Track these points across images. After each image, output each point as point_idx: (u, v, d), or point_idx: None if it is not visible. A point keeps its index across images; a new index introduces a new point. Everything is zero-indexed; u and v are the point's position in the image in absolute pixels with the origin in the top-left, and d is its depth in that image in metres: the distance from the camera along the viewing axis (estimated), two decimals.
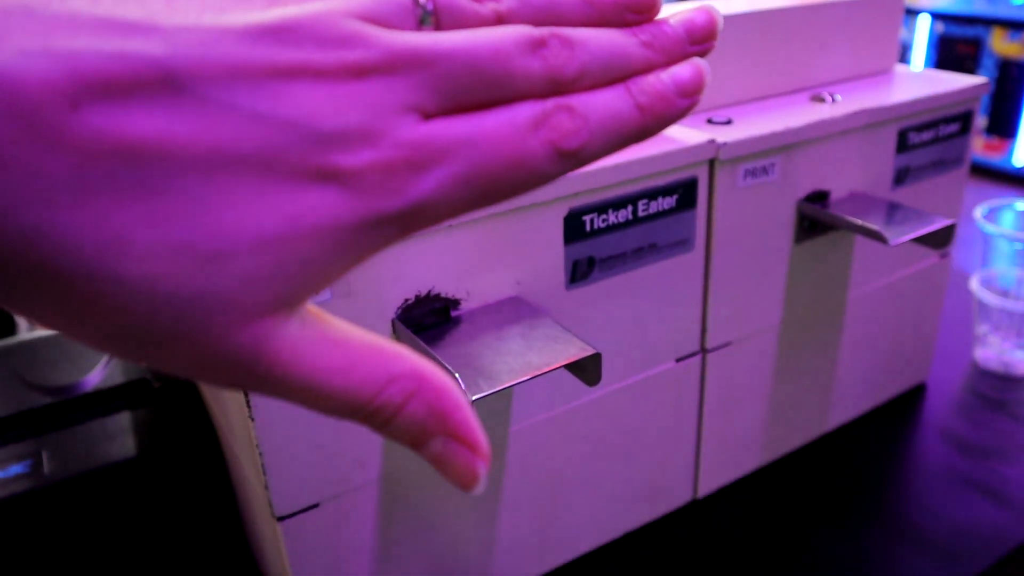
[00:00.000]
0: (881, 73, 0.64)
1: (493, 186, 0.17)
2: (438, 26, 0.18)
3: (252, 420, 0.39)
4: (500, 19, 0.18)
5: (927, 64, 2.52)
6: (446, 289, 0.43)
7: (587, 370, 0.41)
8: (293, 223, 0.15)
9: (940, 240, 0.54)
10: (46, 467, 0.51)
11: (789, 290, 0.58)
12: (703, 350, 0.55)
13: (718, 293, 0.53)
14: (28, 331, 0.57)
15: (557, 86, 0.18)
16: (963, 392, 0.73)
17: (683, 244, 0.50)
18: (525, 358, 0.40)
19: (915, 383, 0.73)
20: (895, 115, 0.57)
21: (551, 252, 0.45)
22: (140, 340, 0.15)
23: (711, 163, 0.49)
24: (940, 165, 0.62)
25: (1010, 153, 2.36)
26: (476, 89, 0.17)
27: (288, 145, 0.15)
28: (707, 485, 0.60)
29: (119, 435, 0.54)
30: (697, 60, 0.19)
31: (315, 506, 0.43)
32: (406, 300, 0.42)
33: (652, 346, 0.52)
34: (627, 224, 0.47)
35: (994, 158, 2.40)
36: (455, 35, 0.17)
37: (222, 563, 0.55)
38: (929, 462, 0.65)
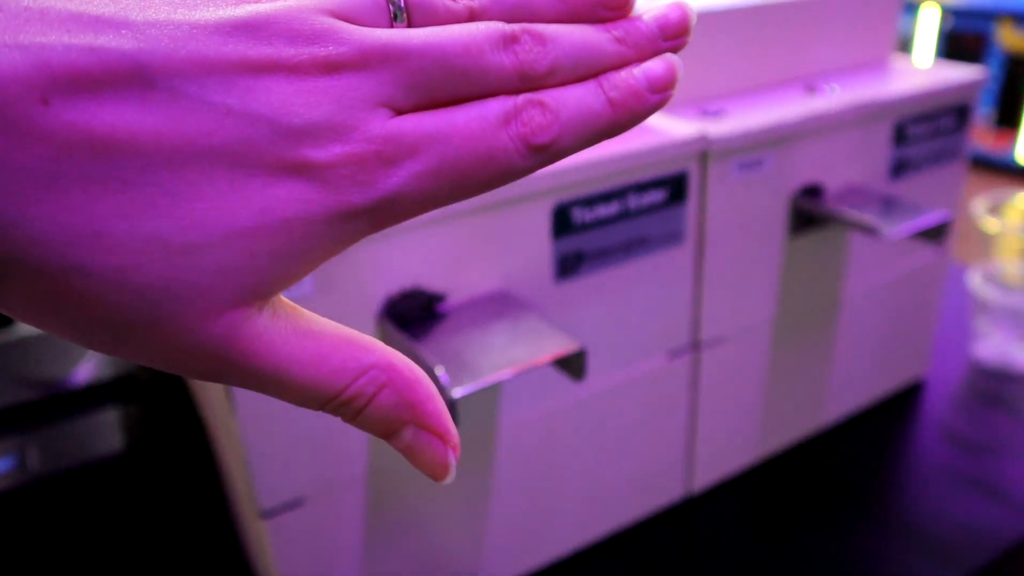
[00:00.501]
0: (878, 63, 0.63)
1: (464, 180, 0.17)
2: (410, 23, 0.18)
3: (235, 414, 0.39)
4: (473, 15, 0.18)
5: (935, 59, 2.50)
6: (431, 284, 0.42)
7: (572, 365, 0.40)
8: (263, 216, 0.16)
9: (937, 234, 0.53)
10: (31, 463, 0.50)
11: (783, 285, 0.57)
12: (696, 345, 0.54)
13: (711, 288, 0.53)
14: (18, 326, 0.57)
15: (529, 82, 0.18)
16: (962, 389, 0.72)
17: (673, 238, 0.49)
18: (510, 353, 0.39)
19: (912, 379, 0.72)
20: (891, 108, 0.56)
21: (538, 246, 0.45)
22: (112, 332, 0.15)
23: (703, 156, 0.49)
24: (938, 158, 0.62)
25: (1013, 148, 2.34)
26: (448, 85, 0.17)
27: (259, 139, 0.15)
28: (702, 481, 0.60)
29: (107, 431, 0.54)
30: (670, 56, 0.19)
31: (301, 501, 0.43)
32: (390, 295, 0.41)
33: (642, 341, 0.51)
34: (616, 218, 0.46)
35: (997, 153, 2.38)
36: (427, 31, 0.17)
37: (211, 560, 0.55)
38: (927, 459, 0.64)
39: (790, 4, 0.56)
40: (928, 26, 2.56)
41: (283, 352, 0.17)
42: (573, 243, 0.46)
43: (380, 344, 0.18)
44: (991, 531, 0.56)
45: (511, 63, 0.18)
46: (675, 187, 0.48)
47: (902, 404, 0.70)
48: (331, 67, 0.16)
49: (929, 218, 0.52)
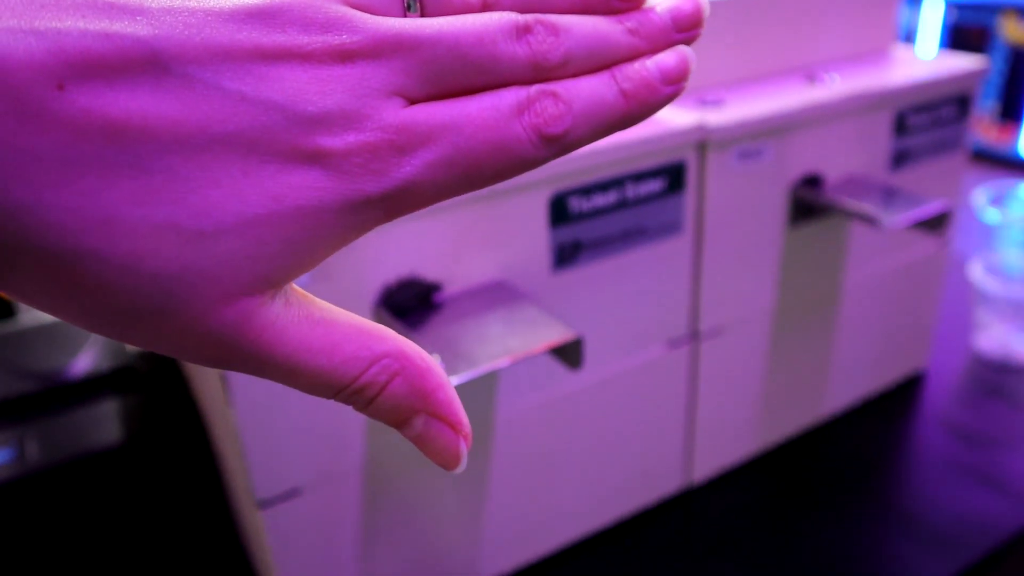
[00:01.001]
0: (879, 53, 0.63)
1: (477, 170, 0.17)
2: (424, 12, 0.18)
3: (231, 405, 0.39)
4: (486, 5, 0.18)
5: (939, 52, 2.47)
6: (428, 273, 0.42)
7: (569, 354, 0.40)
8: (277, 203, 0.16)
9: (937, 225, 0.53)
10: (30, 454, 0.50)
11: (783, 275, 0.57)
12: (695, 335, 0.54)
13: (710, 278, 0.53)
14: (24, 314, 0.57)
15: (542, 72, 0.18)
16: (962, 380, 0.72)
17: (672, 228, 0.49)
18: (506, 343, 0.39)
19: (913, 370, 0.72)
20: (891, 98, 0.56)
21: (536, 236, 0.44)
22: (125, 318, 0.15)
23: (701, 146, 0.48)
24: (938, 148, 0.61)
25: (1017, 141, 2.34)
26: (461, 74, 0.17)
27: (273, 126, 0.15)
28: (701, 471, 0.60)
29: (105, 422, 0.54)
30: (682, 48, 0.19)
31: (297, 491, 0.43)
32: (387, 284, 0.41)
33: (641, 331, 0.51)
34: (614, 208, 0.46)
35: (1001, 147, 2.38)
36: (440, 21, 0.17)
37: (209, 551, 0.55)
38: (927, 450, 0.64)
39: None
40: (931, 19, 2.55)
41: (295, 340, 0.17)
42: (571, 232, 0.45)
43: (392, 333, 0.18)
44: (990, 522, 0.56)
45: (524, 53, 0.18)
46: (673, 176, 0.48)
47: (902, 395, 0.70)
48: (345, 55, 0.16)
49: (928, 208, 0.52)
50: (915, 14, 2.65)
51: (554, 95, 0.18)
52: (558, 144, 0.18)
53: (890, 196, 0.54)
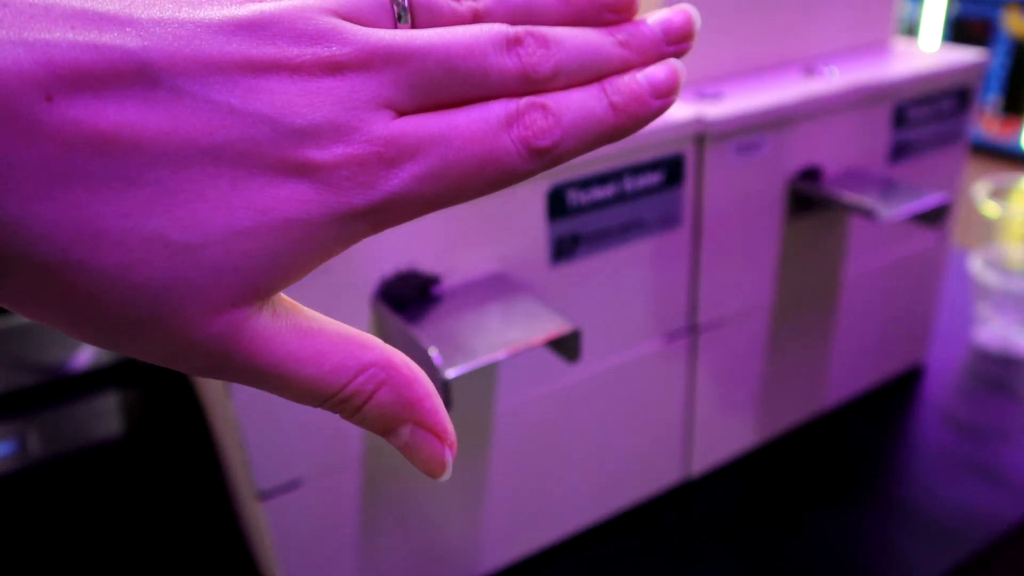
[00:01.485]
0: (879, 45, 0.62)
1: (465, 182, 0.17)
2: (414, 23, 0.18)
3: (231, 397, 0.39)
4: (477, 17, 0.18)
5: (941, 45, 2.46)
6: (426, 266, 0.42)
7: (567, 347, 0.40)
8: (264, 215, 0.16)
9: (935, 217, 0.53)
10: (32, 447, 0.51)
11: (782, 268, 0.57)
12: (693, 328, 0.54)
13: (708, 271, 0.53)
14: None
15: (532, 84, 0.18)
16: (963, 373, 0.72)
17: (670, 221, 0.49)
18: (504, 335, 0.39)
19: (913, 364, 0.72)
20: (891, 91, 0.56)
21: (534, 229, 0.45)
22: (113, 328, 0.16)
23: (699, 139, 0.49)
24: (938, 141, 0.61)
25: (1020, 134, 2.32)
26: (450, 86, 0.17)
27: (261, 138, 0.15)
28: (701, 463, 0.60)
29: (106, 415, 0.54)
30: (672, 61, 0.19)
31: (297, 483, 0.43)
32: (385, 277, 0.41)
33: (639, 324, 0.51)
34: (612, 201, 0.46)
35: (1004, 140, 2.36)
36: (430, 32, 0.17)
37: (210, 542, 0.55)
38: (928, 443, 0.64)
39: None
40: (935, 12, 2.54)
41: (283, 351, 0.17)
42: (569, 226, 0.46)
43: (379, 342, 0.19)
44: (989, 515, 0.56)
45: (514, 65, 0.18)
46: (671, 170, 0.48)
47: (902, 388, 0.70)
48: (334, 68, 0.16)
49: (927, 201, 0.52)
50: (918, 7, 2.63)
51: (543, 108, 0.18)
52: (547, 157, 0.18)
53: (889, 189, 0.54)
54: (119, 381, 0.56)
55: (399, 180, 0.17)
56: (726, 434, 0.60)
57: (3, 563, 0.51)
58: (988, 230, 0.77)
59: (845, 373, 0.66)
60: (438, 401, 0.19)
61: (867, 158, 0.58)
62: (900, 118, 0.58)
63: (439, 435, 0.19)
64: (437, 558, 0.50)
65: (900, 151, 0.59)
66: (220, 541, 0.56)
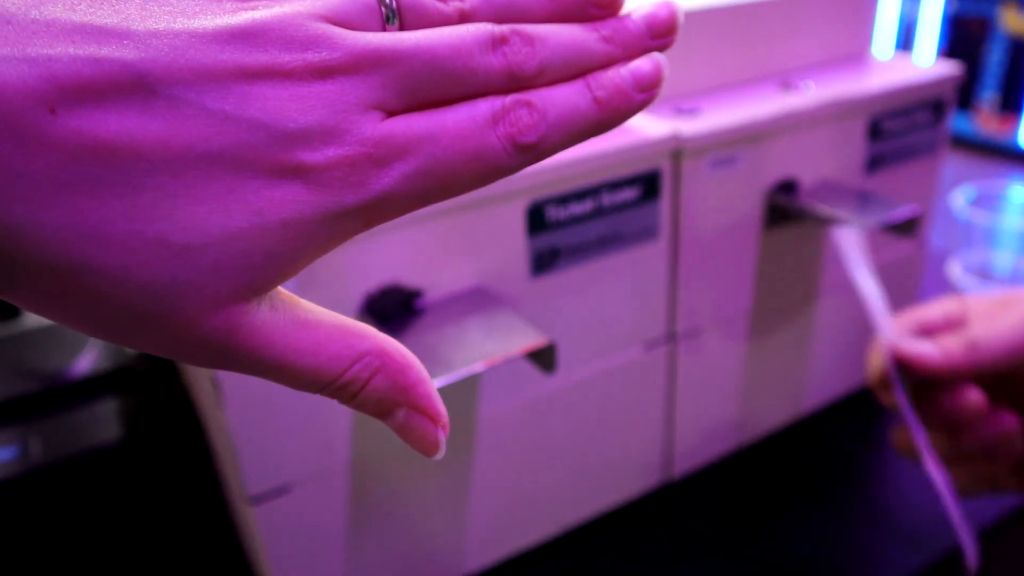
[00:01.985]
0: (856, 58, 0.64)
1: (453, 179, 0.18)
2: (403, 25, 0.19)
3: (221, 404, 0.41)
4: (463, 17, 0.19)
5: (939, 43, 2.48)
6: (410, 280, 0.44)
7: (543, 358, 0.42)
8: (259, 217, 0.17)
9: (908, 228, 0.54)
10: (33, 453, 0.53)
11: (760, 278, 0.58)
12: (672, 336, 0.56)
13: (687, 282, 0.54)
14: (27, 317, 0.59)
15: (518, 82, 0.19)
16: None
17: (648, 234, 0.51)
18: (482, 348, 0.41)
19: None
20: (866, 104, 0.57)
21: (514, 243, 0.46)
22: (121, 325, 0.17)
23: (675, 154, 0.50)
24: (914, 152, 0.63)
25: (1017, 132, 2.33)
26: (438, 86, 0.18)
27: (255, 143, 0.16)
28: (681, 467, 0.62)
29: (106, 421, 0.56)
30: (656, 55, 0.20)
31: (288, 488, 0.45)
32: (370, 292, 0.43)
33: (619, 333, 0.53)
34: (590, 215, 0.48)
35: (1001, 138, 2.37)
36: (417, 34, 0.18)
37: (207, 546, 0.57)
38: None
39: (766, 2, 0.57)
40: (932, 10, 2.54)
41: (282, 343, 0.18)
42: (548, 240, 0.47)
43: (373, 331, 0.20)
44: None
45: (500, 64, 0.18)
46: (648, 185, 0.50)
47: None
48: (324, 72, 0.17)
49: (898, 212, 0.53)
50: (915, 5, 2.64)
51: (528, 104, 0.18)
52: (532, 152, 0.19)
53: (863, 201, 0.55)
54: (117, 388, 0.58)
55: (389, 179, 0.17)
56: (706, 438, 0.62)
57: (7, 565, 0.52)
58: (969, 236, 0.79)
59: (824, 378, 0.68)
60: (430, 386, 0.20)
61: (843, 170, 0.59)
62: (875, 130, 0.59)
63: (432, 418, 0.20)
64: (423, 558, 0.52)
65: (876, 162, 0.61)
66: (216, 543, 0.57)
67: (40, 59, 0.15)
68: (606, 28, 0.20)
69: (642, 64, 0.20)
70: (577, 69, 0.19)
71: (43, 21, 0.15)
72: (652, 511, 0.60)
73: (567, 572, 0.55)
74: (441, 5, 0.19)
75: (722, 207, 0.54)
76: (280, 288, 0.19)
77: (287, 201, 0.17)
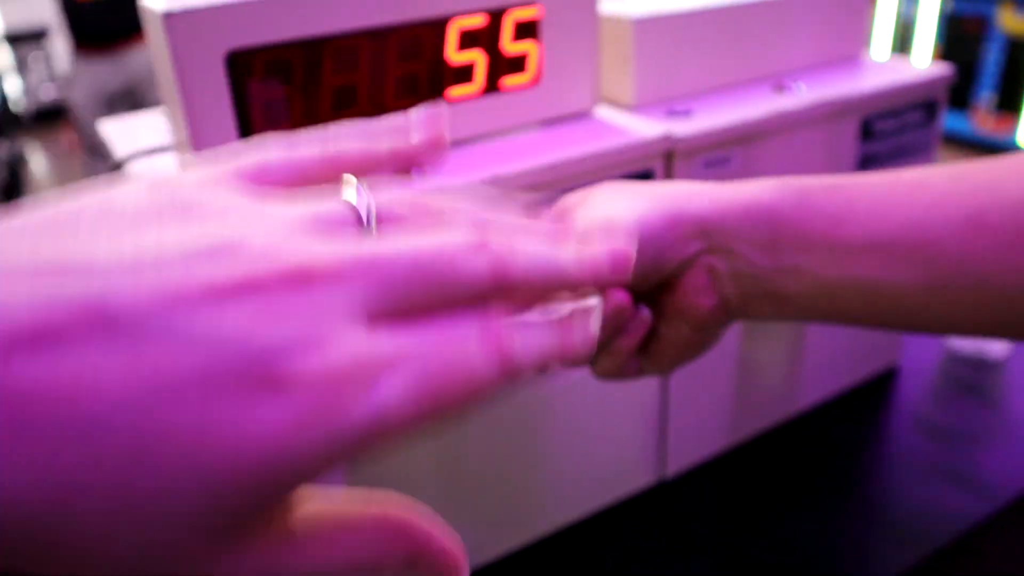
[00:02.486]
0: (849, 60, 0.64)
1: (442, 399, 0.17)
2: (381, 231, 0.18)
3: None
4: (441, 221, 0.19)
5: (936, 43, 2.47)
6: None
7: None
8: (236, 450, 0.15)
9: None
10: None
11: None
12: None
13: None
14: None
15: (501, 286, 0.18)
16: (937, 377, 0.74)
17: None
18: None
19: (886, 366, 0.74)
20: (857, 105, 0.58)
21: None
22: None
23: (668, 155, 0.51)
24: (906, 152, 0.63)
25: (1015, 131, 2.33)
26: (421, 292, 0.17)
27: (228, 363, 0.15)
28: (675, 465, 0.62)
29: None
30: (620, 251, 0.20)
31: None
32: None
33: None
34: None
35: (999, 137, 2.37)
36: (396, 241, 0.17)
37: None
38: (899, 445, 0.66)
39: (759, 4, 0.57)
40: (929, 10, 2.54)
41: (290, 562, 0.17)
42: None
43: (393, 506, 0.19)
44: (955, 515, 0.58)
45: (482, 269, 0.17)
46: None
47: (877, 391, 0.72)
48: (302, 282, 0.16)
49: None
50: (913, 5, 2.63)
51: (515, 326, 0.18)
52: (517, 371, 0.18)
53: None
54: None
55: (376, 397, 0.16)
56: (700, 437, 0.63)
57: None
58: None
59: (819, 376, 0.68)
60: (455, 548, 0.21)
61: (835, 170, 0.59)
62: (867, 131, 0.60)
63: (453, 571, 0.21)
64: None
65: (867, 162, 0.61)
66: None
67: None
68: (574, 247, 0.19)
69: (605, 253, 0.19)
70: (552, 283, 0.19)
71: (7, 267, 0.15)
72: (646, 509, 0.60)
73: (562, 570, 0.55)
74: (419, 208, 0.19)
75: None
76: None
77: (267, 423, 0.15)
